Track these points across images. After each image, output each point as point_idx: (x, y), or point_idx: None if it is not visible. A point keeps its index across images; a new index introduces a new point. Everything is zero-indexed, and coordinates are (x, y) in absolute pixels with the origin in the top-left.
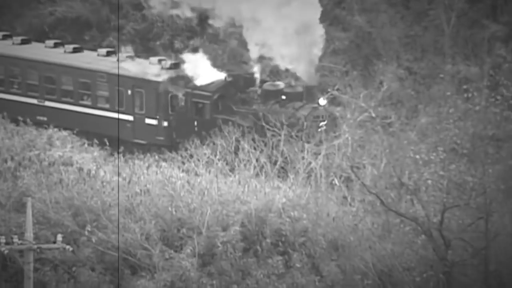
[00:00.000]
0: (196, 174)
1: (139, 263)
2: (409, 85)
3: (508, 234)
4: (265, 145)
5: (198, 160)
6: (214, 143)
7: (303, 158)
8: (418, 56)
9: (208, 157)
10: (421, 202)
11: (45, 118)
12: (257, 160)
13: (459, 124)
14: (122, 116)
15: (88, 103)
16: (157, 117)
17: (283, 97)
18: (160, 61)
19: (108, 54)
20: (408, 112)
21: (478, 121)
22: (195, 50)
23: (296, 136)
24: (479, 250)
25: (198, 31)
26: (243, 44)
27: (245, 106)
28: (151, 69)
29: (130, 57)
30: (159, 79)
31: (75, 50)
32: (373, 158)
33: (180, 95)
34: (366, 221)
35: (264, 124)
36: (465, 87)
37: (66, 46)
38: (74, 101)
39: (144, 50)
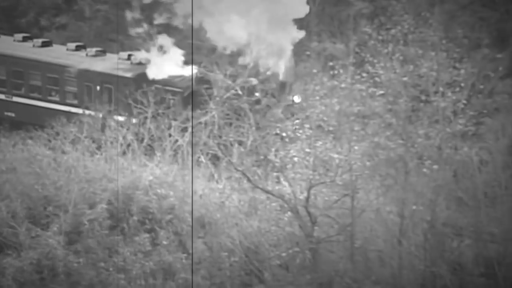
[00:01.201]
0: (63, 152)
1: (5, 241)
2: None
3: (373, 210)
4: (132, 123)
5: (65, 138)
6: (80, 121)
7: (170, 135)
8: None
9: (75, 135)
10: (288, 179)
11: (13, 114)
12: (123, 138)
13: (325, 101)
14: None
15: (57, 99)
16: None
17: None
18: (129, 56)
19: (77, 48)
20: (275, 89)
21: (344, 98)
22: (62, 27)
23: (163, 113)
24: (345, 226)
25: (64, 9)
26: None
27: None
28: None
29: (100, 52)
30: (128, 74)
31: (44, 44)
32: (240, 136)
33: None
34: (232, 198)
35: (130, 102)
36: (331, 64)
37: (35, 40)
38: (42, 96)
39: (10, 28)
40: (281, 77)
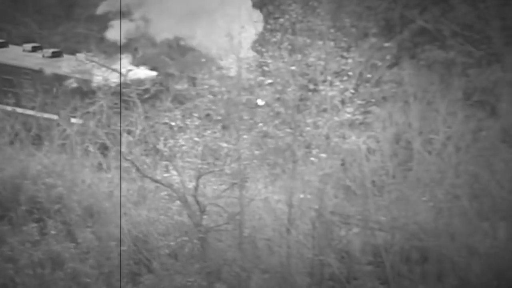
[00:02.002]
0: None
1: None
2: (163, 52)
3: (262, 199)
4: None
5: None
6: None
7: (58, 125)
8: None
9: None
10: (176, 169)
11: None
12: (11, 127)
13: (213, 90)
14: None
15: (13, 100)
16: None
17: None
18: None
19: (34, 49)
20: (165, 79)
21: (232, 87)
22: None
23: (52, 103)
24: (234, 215)
25: None
26: None
27: None
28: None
29: (57, 53)
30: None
31: (0, 45)
32: (129, 125)
33: None
34: (121, 187)
35: (18, 91)
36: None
37: None
38: None
39: None
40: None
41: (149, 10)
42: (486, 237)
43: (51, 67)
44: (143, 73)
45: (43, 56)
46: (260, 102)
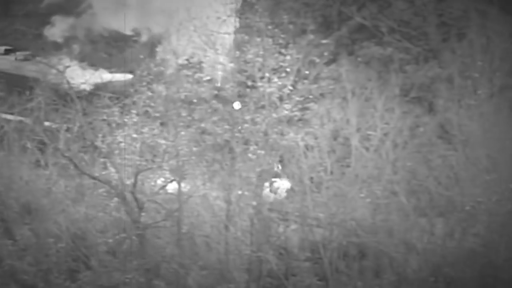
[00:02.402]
0: None
1: None
2: (101, 48)
3: (200, 196)
4: None
5: None
6: None
7: None
8: None
9: None
10: (115, 165)
11: None
12: None
13: (152, 86)
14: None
15: None
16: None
17: None
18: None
19: (6, 52)
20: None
21: (170, 84)
22: None
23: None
24: (172, 212)
25: None
26: None
27: None
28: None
29: (28, 56)
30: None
31: None
32: (67, 122)
33: None
34: (59, 184)
35: None
36: (157, 50)
37: None
38: None
39: None
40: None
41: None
42: (424, 233)
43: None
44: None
45: (16, 59)
46: (236, 105)
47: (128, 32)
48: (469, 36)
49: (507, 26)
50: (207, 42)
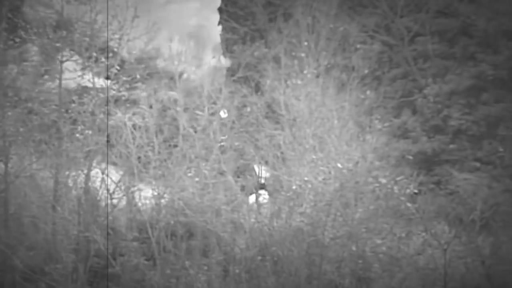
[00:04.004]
0: None
1: None
2: None
3: (27, 176)
4: None
5: None
6: None
7: None
8: None
9: None
10: None
11: None
12: None
13: None
14: None
15: None
16: None
17: None
18: None
19: None
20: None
21: None
22: None
23: None
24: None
25: None
26: None
27: None
28: None
29: None
30: None
31: None
32: None
33: None
34: None
35: None
36: None
37: None
38: None
39: None
40: None
41: None
42: (251, 212)
43: None
44: None
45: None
46: (223, 114)
47: None
48: (295, 16)
49: (332, 6)
50: None
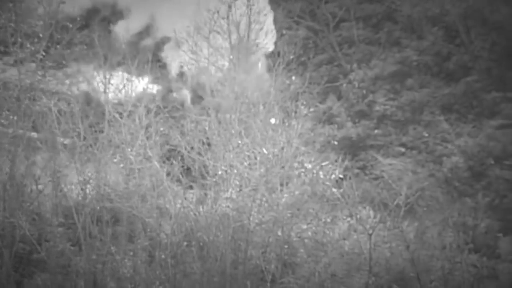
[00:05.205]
0: None
1: None
2: None
3: None
4: None
5: None
6: None
7: None
8: None
9: None
10: None
11: None
12: None
13: None
14: None
15: None
16: None
17: None
18: None
19: None
20: None
21: None
22: None
23: None
24: None
25: None
26: None
27: None
28: None
29: None
30: None
31: None
32: None
33: None
34: None
35: None
36: None
37: None
38: None
39: None
40: None
41: None
42: (177, 198)
43: None
44: None
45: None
46: (273, 121)
47: None
48: None
49: None
50: None
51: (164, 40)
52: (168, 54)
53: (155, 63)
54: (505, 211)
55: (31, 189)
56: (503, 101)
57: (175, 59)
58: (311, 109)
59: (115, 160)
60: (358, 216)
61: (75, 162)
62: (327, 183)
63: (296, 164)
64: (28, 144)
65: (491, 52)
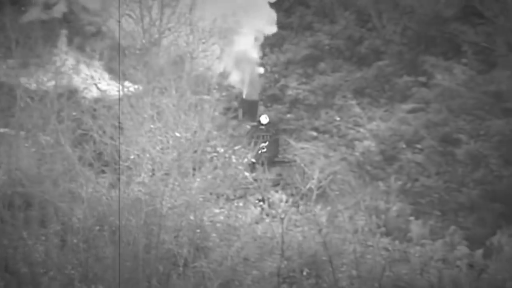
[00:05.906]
0: None
1: None
2: None
3: None
4: None
5: None
6: None
7: None
8: None
9: None
10: None
11: None
12: None
13: None
14: None
15: None
16: None
17: None
18: None
19: None
20: None
21: None
22: None
23: None
24: None
25: None
26: None
27: None
28: None
29: None
30: None
31: None
32: None
33: None
34: None
35: None
36: None
37: None
38: None
39: None
40: None
41: None
42: (89, 182)
43: None
44: None
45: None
46: (264, 119)
47: None
48: None
49: None
50: None
51: None
52: None
53: None
54: (417, 194)
55: None
56: (414, 85)
57: None
58: (224, 93)
59: (26, 145)
60: (270, 200)
61: None
62: (240, 167)
63: (208, 148)
64: None
65: (402, 37)
